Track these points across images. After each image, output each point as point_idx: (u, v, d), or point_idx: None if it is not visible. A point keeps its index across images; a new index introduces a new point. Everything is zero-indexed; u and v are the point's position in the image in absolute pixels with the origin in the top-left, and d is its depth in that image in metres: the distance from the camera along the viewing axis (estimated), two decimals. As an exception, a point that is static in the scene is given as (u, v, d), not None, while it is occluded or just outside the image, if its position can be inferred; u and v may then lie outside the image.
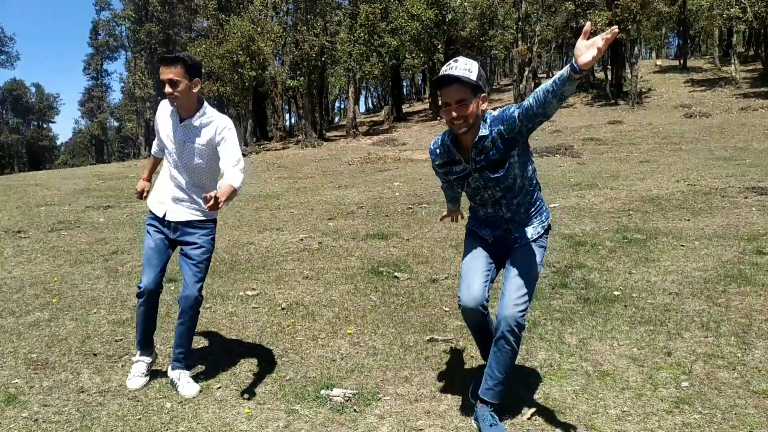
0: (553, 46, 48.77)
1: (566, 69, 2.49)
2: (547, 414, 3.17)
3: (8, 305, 5.28)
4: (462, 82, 2.79)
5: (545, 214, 3.18)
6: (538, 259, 3.07)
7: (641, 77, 35.37)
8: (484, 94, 2.88)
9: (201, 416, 3.26)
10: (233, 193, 3.17)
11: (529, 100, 2.69)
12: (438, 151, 3.13)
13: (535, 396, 3.38)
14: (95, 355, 4.12)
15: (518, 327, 2.93)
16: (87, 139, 74.95)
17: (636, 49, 32.58)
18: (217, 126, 3.45)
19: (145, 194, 3.87)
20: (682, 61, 41.38)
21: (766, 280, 5.27)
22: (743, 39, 46.97)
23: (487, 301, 3.04)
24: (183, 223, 3.59)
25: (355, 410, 3.28)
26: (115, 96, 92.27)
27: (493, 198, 3.04)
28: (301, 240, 7.83)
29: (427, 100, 45.82)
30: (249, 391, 3.54)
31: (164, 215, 3.59)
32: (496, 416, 3.02)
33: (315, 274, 6.13)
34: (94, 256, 7.18)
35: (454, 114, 2.83)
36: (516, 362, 3.32)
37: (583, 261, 6.20)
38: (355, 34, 33.21)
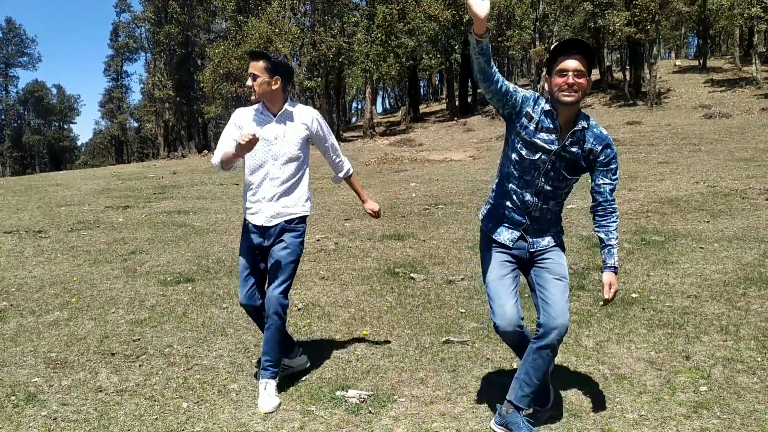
0: (571, 46, 48.40)
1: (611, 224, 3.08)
2: (563, 417, 3.15)
3: (29, 304, 5.35)
4: (585, 54, 2.78)
5: (561, 233, 3.17)
6: (564, 261, 3.08)
7: (660, 77, 35.02)
8: (589, 79, 2.84)
9: (217, 416, 3.28)
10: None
11: (607, 186, 3.01)
12: (537, 106, 2.90)
13: (551, 399, 3.36)
14: (113, 354, 4.16)
15: (564, 333, 2.92)
16: (107, 140, 75.67)
17: (655, 49, 32.27)
18: (311, 114, 3.60)
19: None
20: (701, 61, 40.91)
21: (788, 284, 5.20)
22: (764, 39, 46.34)
23: (522, 318, 2.98)
24: (281, 227, 3.50)
25: (370, 412, 3.28)
26: (135, 97, 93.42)
27: (540, 187, 2.96)
28: (318, 240, 7.85)
29: (444, 101, 45.72)
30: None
31: (263, 222, 3.50)
32: (530, 422, 3.01)
33: (331, 275, 6.14)
34: (113, 256, 7.25)
35: (571, 81, 2.76)
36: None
37: (600, 263, 6.14)
38: (373, 35, 33.24)
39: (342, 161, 3.88)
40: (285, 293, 3.44)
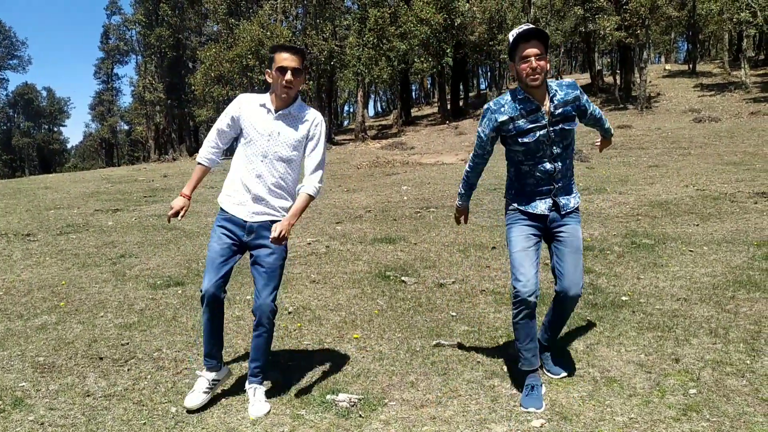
0: (562, 50, 48.67)
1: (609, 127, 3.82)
2: (553, 421, 3.15)
3: (16, 308, 5.31)
4: (540, 38, 3.22)
5: (575, 185, 3.63)
6: (580, 235, 3.51)
7: (650, 82, 35.23)
8: (548, 57, 3.30)
9: (206, 421, 3.26)
10: (306, 205, 3.40)
11: (596, 111, 3.63)
12: (504, 108, 3.39)
13: (543, 402, 3.36)
14: (101, 358, 4.13)
15: (578, 298, 3.48)
16: (97, 143, 75.35)
17: (645, 53, 32.45)
18: (315, 118, 3.51)
19: (182, 215, 3.51)
20: (691, 66, 41.20)
21: (776, 287, 5.23)
22: (753, 43, 46.70)
23: (539, 289, 3.39)
24: (261, 225, 3.41)
25: (360, 415, 3.27)
26: (126, 100, 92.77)
27: (553, 154, 3.38)
28: (309, 244, 7.83)
29: (435, 104, 45.80)
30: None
31: (244, 217, 3.42)
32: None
33: (322, 278, 6.13)
34: (102, 260, 7.21)
35: (535, 64, 3.19)
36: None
37: (591, 266, 6.17)
38: (364, 39, 33.25)
39: (312, 177, 3.46)
40: (275, 299, 3.41)
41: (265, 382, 3.53)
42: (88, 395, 3.57)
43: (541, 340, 3.73)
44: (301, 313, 5.08)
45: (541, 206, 3.46)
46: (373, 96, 68.98)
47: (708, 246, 6.77)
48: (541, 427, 3.10)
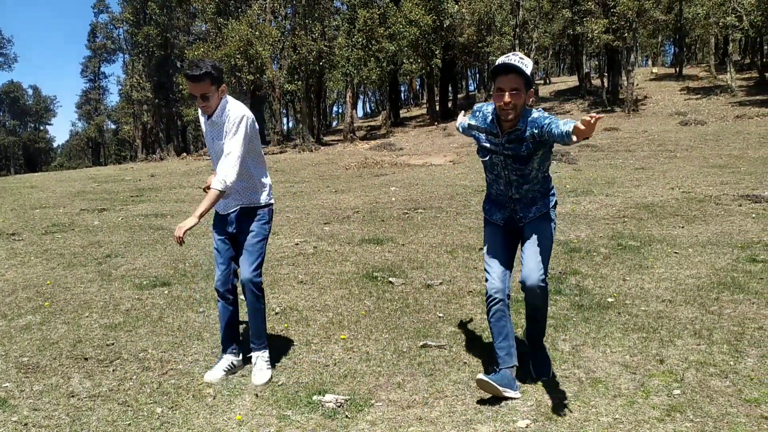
0: (551, 52, 48.94)
1: (568, 130, 2.92)
2: (538, 421, 3.17)
3: (0, 308, 5.26)
4: (519, 72, 3.17)
5: (552, 199, 3.58)
6: (548, 231, 3.49)
7: (637, 85, 35.44)
8: (531, 90, 3.29)
9: (192, 422, 3.25)
10: (214, 200, 3.56)
11: (554, 127, 3.07)
12: (480, 113, 3.49)
13: (528, 403, 3.37)
14: (86, 359, 4.10)
15: (543, 288, 3.41)
16: (84, 142, 74.77)
17: (632, 56, 32.66)
18: (230, 118, 3.67)
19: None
20: (678, 69, 41.48)
21: (759, 288, 5.28)
22: (739, 47, 47.14)
23: (509, 288, 3.49)
24: (238, 214, 3.82)
25: (346, 416, 3.27)
26: (113, 99, 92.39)
27: (508, 179, 3.45)
28: (297, 244, 7.82)
29: (424, 106, 45.84)
30: (240, 397, 3.53)
31: (222, 211, 3.87)
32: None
33: (310, 279, 6.12)
34: (87, 260, 7.16)
35: (507, 99, 3.18)
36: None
37: (577, 267, 6.20)
38: (354, 39, 33.23)
39: (221, 167, 3.58)
40: (256, 272, 3.76)
41: (264, 351, 3.86)
42: (73, 396, 3.55)
43: (526, 341, 3.84)
44: (288, 313, 5.07)
45: (497, 216, 3.63)
46: (362, 97, 68.98)
47: (693, 248, 6.83)
48: (526, 427, 3.11)
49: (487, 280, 3.52)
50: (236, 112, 3.66)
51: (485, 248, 3.63)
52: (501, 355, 3.51)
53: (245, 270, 3.76)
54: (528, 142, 3.28)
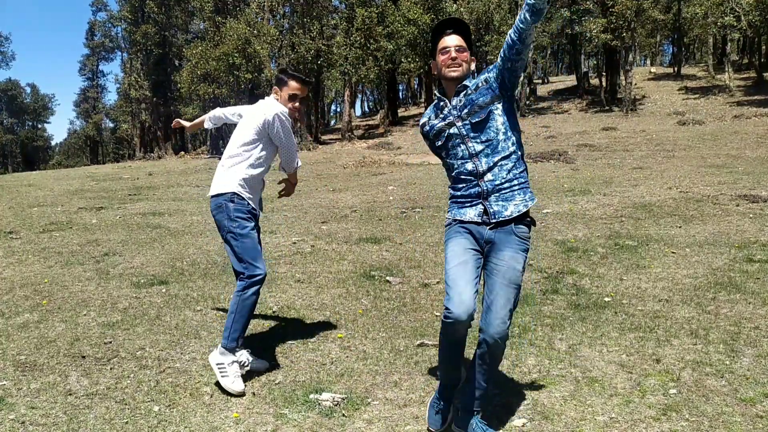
0: (549, 52, 48.95)
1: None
2: (535, 420, 3.18)
3: (-2, 306, 5.26)
4: (462, 31, 3.02)
5: (529, 194, 3.04)
6: (520, 265, 2.95)
7: (635, 84, 35.48)
8: (473, 57, 3.07)
9: (189, 420, 3.25)
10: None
11: (507, 39, 2.84)
12: (429, 111, 3.25)
13: (524, 402, 3.38)
14: (84, 357, 4.10)
15: (505, 341, 2.92)
16: (82, 140, 74.62)
17: (630, 56, 32.72)
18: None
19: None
20: (676, 69, 41.57)
21: (756, 288, 5.30)
22: (737, 47, 47.20)
23: (475, 311, 2.87)
24: (213, 202, 3.98)
25: (343, 415, 3.28)
26: (111, 97, 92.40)
27: (473, 151, 3.00)
28: (294, 243, 7.82)
29: (422, 105, 45.84)
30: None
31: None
32: (485, 422, 3.01)
33: (307, 278, 6.13)
34: (85, 258, 7.16)
35: (454, 54, 2.98)
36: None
37: (574, 267, 6.21)
38: (352, 38, 33.23)
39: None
40: (237, 264, 3.83)
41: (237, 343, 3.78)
42: (70, 394, 3.55)
43: (473, 407, 3.06)
44: (286, 312, 5.08)
45: (470, 212, 3.03)
46: (360, 96, 68.87)
47: (690, 248, 6.84)
48: (522, 426, 3.12)
49: (449, 299, 2.88)
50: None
51: (449, 263, 2.99)
52: (442, 391, 3.18)
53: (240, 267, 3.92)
54: (482, 87, 2.99)
